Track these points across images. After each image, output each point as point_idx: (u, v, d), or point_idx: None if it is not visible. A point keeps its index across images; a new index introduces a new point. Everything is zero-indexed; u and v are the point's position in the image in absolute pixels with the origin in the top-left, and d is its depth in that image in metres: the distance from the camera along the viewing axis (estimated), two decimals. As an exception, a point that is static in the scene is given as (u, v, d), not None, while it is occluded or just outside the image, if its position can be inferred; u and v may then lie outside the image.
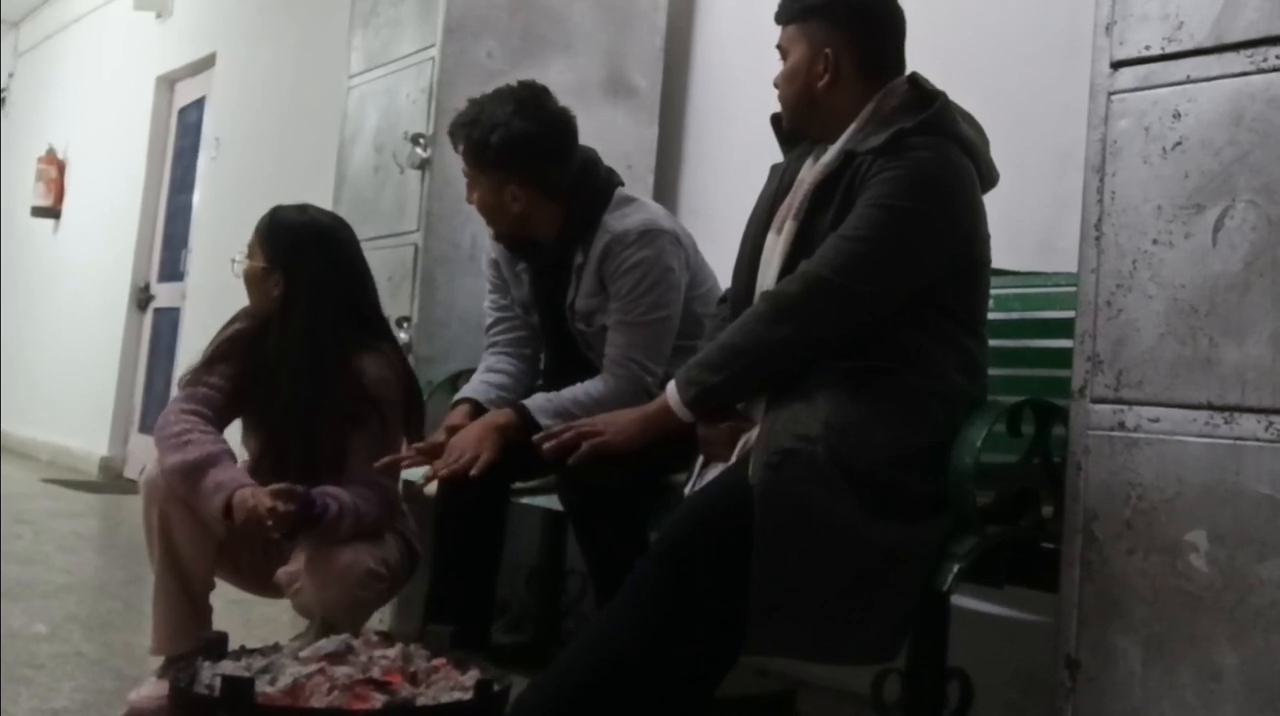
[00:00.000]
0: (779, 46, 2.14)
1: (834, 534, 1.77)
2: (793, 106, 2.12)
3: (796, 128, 2.15)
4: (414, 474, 2.61)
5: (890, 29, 2.11)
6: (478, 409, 2.58)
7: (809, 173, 2.09)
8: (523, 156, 2.51)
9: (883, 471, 1.83)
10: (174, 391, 2.56)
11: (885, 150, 1.95)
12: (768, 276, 2.06)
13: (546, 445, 2.16)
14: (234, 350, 2.50)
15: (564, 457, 2.14)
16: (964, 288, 2.02)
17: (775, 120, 2.20)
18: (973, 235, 2.01)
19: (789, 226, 2.05)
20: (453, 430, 2.49)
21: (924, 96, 2.03)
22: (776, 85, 2.14)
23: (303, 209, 2.58)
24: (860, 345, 1.93)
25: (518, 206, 2.55)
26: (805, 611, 1.77)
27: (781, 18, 2.14)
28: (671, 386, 2.05)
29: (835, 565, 1.77)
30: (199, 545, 2.38)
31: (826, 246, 1.95)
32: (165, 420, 2.40)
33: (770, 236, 2.10)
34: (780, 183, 2.16)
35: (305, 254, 2.51)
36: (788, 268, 2.02)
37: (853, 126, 2.04)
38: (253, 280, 2.53)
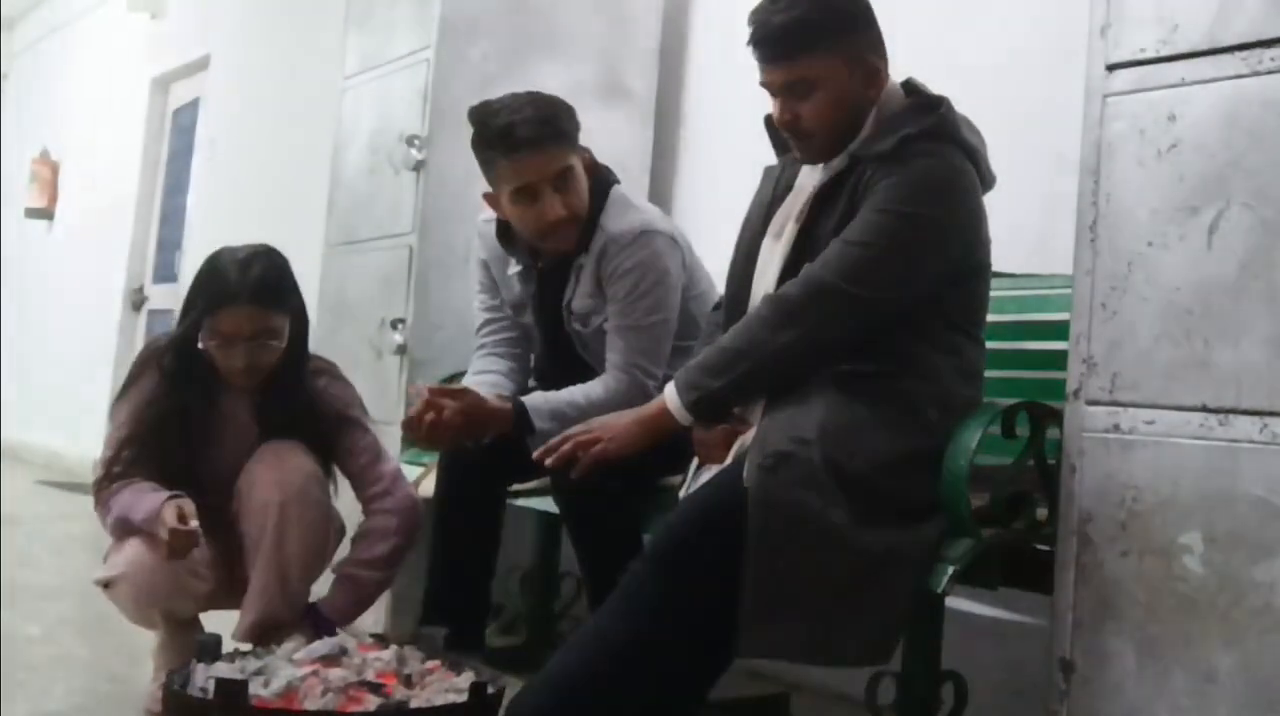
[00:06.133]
0: (794, 82, 1.99)
1: (827, 537, 1.77)
2: (839, 128, 2.01)
3: (836, 148, 2.03)
4: (410, 473, 2.60)
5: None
6: None
7: (811, 177, 2.08)
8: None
9: (877, 475, 1.83)
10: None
11: (890, 155, 1.94)
12: (765, 280, 2.06)
13: (548, 461, 2.11)
14: (155, 444, 2.44)
15: (564, 468, 2.11)
16: (965, 293, 2.01)
17: (769, 123, 2.19)
18: (975, 240, 2.01)
19: (790, 229, 2.05)
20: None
21: (926, 102, 2.02)
22: (791, 122, 2.02)
23: (259, 248, 2.44)
24: (857, 349, 1.92)
25: (583, 184, 2.50)
26: (799, 614, 1.77)
27: (794, 49, 1.98)
28: (670, 389, 2.02)
29: (828, 568, 1.77)
30: (194, 608, 2.40)
31: (830, 251, 1.94)
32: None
33: (767, 240, 2.09)
34: (776, 186, 2.15)
35: (298, 293, 2.46)
36: (789, 271, 2.01)
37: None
38: (273, 345, 2.39)
